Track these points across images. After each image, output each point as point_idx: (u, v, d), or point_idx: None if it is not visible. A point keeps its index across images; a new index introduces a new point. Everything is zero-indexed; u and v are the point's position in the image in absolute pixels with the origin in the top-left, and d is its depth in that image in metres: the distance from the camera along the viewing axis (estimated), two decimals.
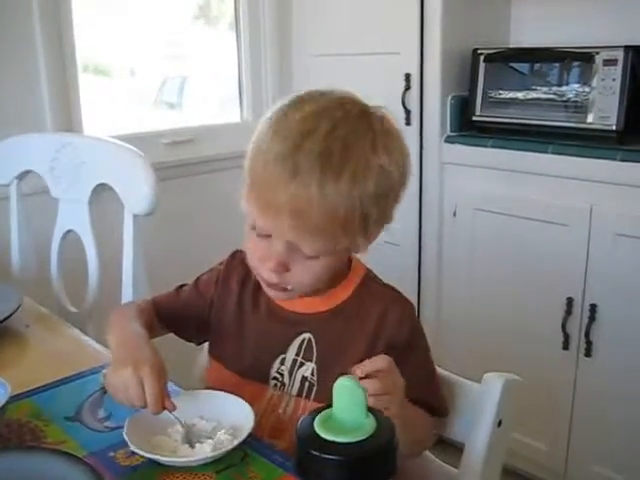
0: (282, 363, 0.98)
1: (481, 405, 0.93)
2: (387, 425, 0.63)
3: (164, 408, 0.85)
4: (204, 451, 0.81)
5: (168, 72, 2.54)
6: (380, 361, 0.80)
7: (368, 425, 0.63)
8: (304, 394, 0.96)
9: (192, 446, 0.84)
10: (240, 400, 0.89)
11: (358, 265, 1.01)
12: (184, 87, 2.64)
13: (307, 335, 0.97)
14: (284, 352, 0.98)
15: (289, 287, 0.91)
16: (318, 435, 0.62)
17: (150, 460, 0.80)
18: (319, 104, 0.86)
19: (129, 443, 0.82)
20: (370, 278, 1.00)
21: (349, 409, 0.63)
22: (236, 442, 0.81)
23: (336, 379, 0.92)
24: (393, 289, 1.00)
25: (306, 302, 0.97)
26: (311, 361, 0.97)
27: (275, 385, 0.98)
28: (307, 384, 0.96)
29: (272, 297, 0.97)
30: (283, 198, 0.82)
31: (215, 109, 2.64)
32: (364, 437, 0.61)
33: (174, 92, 2.66)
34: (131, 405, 0.85)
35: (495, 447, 0.94)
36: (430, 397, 0.96)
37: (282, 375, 0.98)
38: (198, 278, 1.08)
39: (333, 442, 0.61)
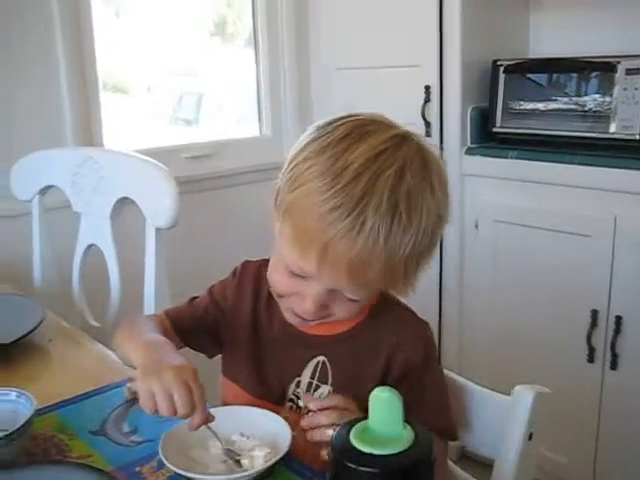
0: (297, 386, 0.96)
1: (512, 418, 0.91)
2: (425, 437, 0.62)
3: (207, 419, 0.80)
4: (236, 470, 0.80)
5: (184, 89, 2.56)
6: (337, 398, 0.84)
7: (406, 437, 0.61)
8: None
9: (233, 461, 0.82)
10: (280, 419, 0.87)
11: None
12: (201, 104, 2.66)
13: (321, 358, 0.95)
14: (299, 375, 0.96)
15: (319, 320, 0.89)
16: (354, 447, 0.61)
17: (177, 475, 0.79)
18: (374, 145, 0.79)
19: (162, 457, 0.80)
20: (384, 298, 0.96)
21: (385, 420, 0.62)
22: (269, 463, 0.80)
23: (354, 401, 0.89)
24: (407, 308, 0.98)
25: (320, 325, 0.92)
26: (327, 384, 0.95)
27: (290, 407, 0.97)
28: None
29: (293, 323, 0.93)
30: (345, 253, 0.77)
31: (232, 126, 2.64)
32: (402, 449, 0.60)
33: (191, 109, 2.67)
34: (170, 414, 0.77)
35: (526, 460, 0.92)
36: (444, 421, 0.93)
37: (298, 397, 0.96)
38: (211, 287, 1.05)
39: (370, 454, 0.60)
